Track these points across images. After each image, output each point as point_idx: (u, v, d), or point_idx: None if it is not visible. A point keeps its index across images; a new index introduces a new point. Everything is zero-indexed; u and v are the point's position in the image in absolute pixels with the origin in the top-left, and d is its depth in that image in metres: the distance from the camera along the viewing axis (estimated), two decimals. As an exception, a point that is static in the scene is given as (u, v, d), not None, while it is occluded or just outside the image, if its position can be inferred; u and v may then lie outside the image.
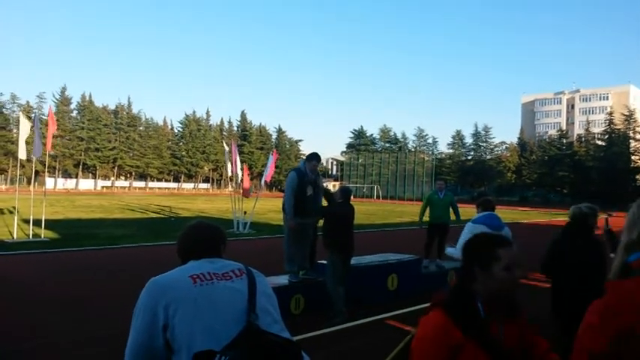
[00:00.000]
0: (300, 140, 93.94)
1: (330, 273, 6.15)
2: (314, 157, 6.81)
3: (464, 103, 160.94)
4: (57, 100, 70.23)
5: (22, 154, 13.47)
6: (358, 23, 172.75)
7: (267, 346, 1.45)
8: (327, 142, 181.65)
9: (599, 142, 70.13)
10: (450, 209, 9.65)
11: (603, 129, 71.05)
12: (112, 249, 12.17)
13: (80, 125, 71.51)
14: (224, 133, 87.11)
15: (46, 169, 16.98)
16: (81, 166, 72.11)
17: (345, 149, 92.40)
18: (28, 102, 68.56)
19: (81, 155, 70.78)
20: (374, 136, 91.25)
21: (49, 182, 62.24)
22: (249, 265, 1.81)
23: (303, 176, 6.62)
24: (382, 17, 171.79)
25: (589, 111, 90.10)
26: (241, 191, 18.37)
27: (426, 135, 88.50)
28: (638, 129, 66.90)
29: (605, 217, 5.10)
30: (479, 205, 5.28)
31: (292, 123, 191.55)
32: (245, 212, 17.48)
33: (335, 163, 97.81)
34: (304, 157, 7.00)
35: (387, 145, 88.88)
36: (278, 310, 1.73)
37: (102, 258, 10.84)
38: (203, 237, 1.85)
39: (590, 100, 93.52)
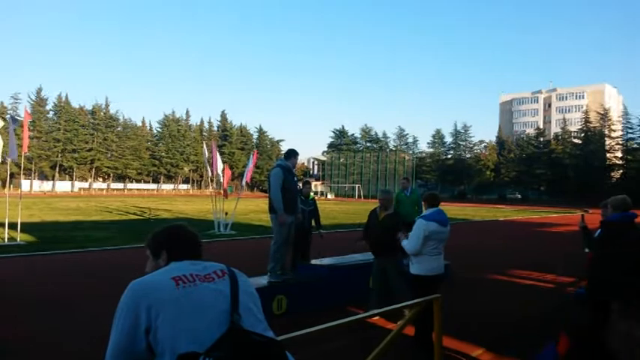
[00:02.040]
0: (281, 140, 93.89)
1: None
2: (295, 154, 6.85)
3: (443, 102, 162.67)
4: (32, 100, 68.91)
5: (-4, 156, 13.18)
6: (338, 23, 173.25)
7: (252, 346, 1.45)
8: (309, 142, 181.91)
9: (576, 140, 71.56)
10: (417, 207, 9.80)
11: (579, 127, 72.51)
12: (91, 252, 11.98)
13: (56, 126, 70.29)
14: (204, 133, 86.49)
15: (22, 172, 16.53)
16: (57, 168, 70.84)
17: (326, 149, 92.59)
18: (2, 103, 67.10)
19: (57, 157, 69.56)
20: (355, 135, 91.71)
21: (25, 184, 61.06)
22: (231, 266, 1.81)
23: (288, 172, 6.57)
24: (362, 17, 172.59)
25: (565, 109, 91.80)
26: (222, 192, 18.28)
27: (407, 134, 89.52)
28: (613, 127, 68.42)
29: (582, 214, 5.21)
30: (425, 200, 5.43)
31: (273, 123, 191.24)
32: (226, 213, 17.38)
33: (316, 162, 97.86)
34: (282, 155, 7.00)
35: (368, 144, 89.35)
36: (261, 309, 1.73)
37: (80, 261, 10.67)
38: (188, 237, 1.86)
39: (566, 99, 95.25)
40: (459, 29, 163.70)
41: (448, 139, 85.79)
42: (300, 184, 8.73)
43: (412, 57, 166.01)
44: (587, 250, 5.77)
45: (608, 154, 67.13)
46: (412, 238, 5.16)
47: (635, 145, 66.11)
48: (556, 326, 6.24)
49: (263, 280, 6.44)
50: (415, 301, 3.71)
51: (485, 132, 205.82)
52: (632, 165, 63.63)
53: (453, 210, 34.41)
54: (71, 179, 72.89)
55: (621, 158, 66.76)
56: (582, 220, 5.18)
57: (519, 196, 72.89)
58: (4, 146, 13.31)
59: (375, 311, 3.37)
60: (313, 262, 7.72)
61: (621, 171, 65.72)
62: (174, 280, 1.61)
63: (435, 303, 3.59)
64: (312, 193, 8.99)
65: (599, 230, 5.05)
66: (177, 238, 1.84)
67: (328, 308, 6.27)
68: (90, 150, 72.71)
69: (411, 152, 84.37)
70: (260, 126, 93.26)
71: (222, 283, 1.67)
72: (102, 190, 73.00)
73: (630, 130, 67.31)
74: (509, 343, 5.44)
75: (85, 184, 73.33)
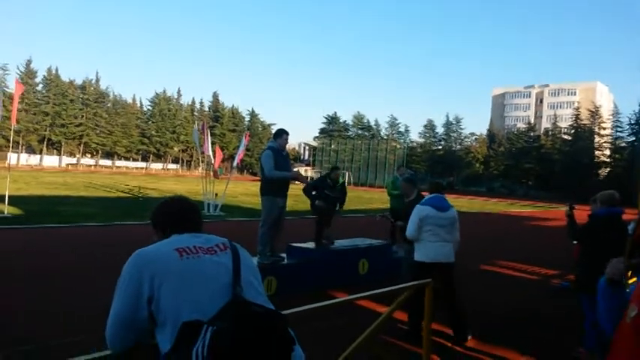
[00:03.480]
0: (273, 124, 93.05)
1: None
2: (284, 132, 6.66)
3: (436, 93, 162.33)
4: (21, 72, 67.71)
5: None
6: (333, 9, 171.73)
7: (253, 317, 1.46)
8: (300, 127, 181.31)
9: (565, 137, 72.08)
10: None
11: (570, 124, 73.01)
12: (78, 227, 11.93)
13: (45, 100, 69.25)
14: (195, 113, 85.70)
15: (11, 144, 16.25)
16: (45, 142, 70.02)
17: (317, 134, 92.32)
18: (-10, 73, 65.87)
19: (46, 131, 68.69)
20: (347, 122, 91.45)
21: (12, 157, 60.34)
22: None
23: (279, 153, 6.52)
24: (357, 5, 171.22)
25: (557, 105, 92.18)
26: (212, 173, 18.20)
27: (399, 123, 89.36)
28: (602, 125, 69.00)
29: (570, 204, 5.27)
30: (428, 188, 5.58)
31: (265, 106, 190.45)
32: (216, 194, 17.34)
33: (307, 148, 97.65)
34: (272, 136, 6.85)
35: (360, 131, 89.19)
36: (262, 283, 1.74)
37: (67, 235, 10.63)
38: (189, 210, 1.86)
39: (558, 95, 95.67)
40: (454, 21, 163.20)
41: (440, 129, 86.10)
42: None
43: (407, 47, 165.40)
44: (575, 243, 5.84)
45: (596, 152, 67.74)
46: (409, 223, 5.20)
47: (624, 144, 66.79)
48: (541, 318, 6.34)
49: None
50: (406, 284, 3.73)
51: (476, 124, 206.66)
52: (619, 163, 64.34)
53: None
54: (59, 154, 72.11)
55: (609, 156, 67.45)
56: (570, 208, 5.24)
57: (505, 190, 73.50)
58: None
59: (366, 293, 3.38)
60: (303, 245, 7.71)
61: (609, 169, 66.42)
62: (177, 251, 1.61)
63: (427, 288, 3.61)
64: (340, 178, 8.39)
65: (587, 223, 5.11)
66: (179, 211, 1.84)
67: (318, 290, 6.31)
68: (79, 125, 71.83)
69: (402, 141, 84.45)
70: (252, 108, 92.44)
71: (225, 257, 1.68)
72: (90, 166, 72.38)
73: (619, 129, 67.98)
74: (496, 333, 5.52)
75: (73, 160, 72.63)
